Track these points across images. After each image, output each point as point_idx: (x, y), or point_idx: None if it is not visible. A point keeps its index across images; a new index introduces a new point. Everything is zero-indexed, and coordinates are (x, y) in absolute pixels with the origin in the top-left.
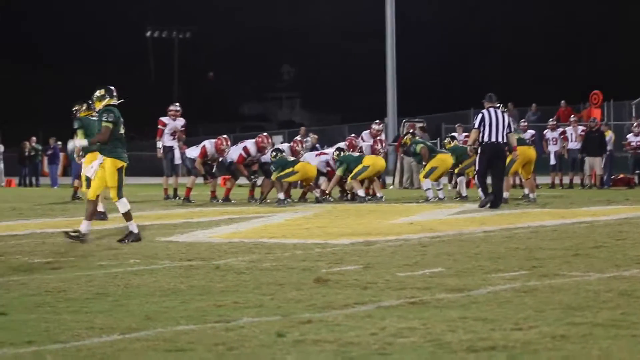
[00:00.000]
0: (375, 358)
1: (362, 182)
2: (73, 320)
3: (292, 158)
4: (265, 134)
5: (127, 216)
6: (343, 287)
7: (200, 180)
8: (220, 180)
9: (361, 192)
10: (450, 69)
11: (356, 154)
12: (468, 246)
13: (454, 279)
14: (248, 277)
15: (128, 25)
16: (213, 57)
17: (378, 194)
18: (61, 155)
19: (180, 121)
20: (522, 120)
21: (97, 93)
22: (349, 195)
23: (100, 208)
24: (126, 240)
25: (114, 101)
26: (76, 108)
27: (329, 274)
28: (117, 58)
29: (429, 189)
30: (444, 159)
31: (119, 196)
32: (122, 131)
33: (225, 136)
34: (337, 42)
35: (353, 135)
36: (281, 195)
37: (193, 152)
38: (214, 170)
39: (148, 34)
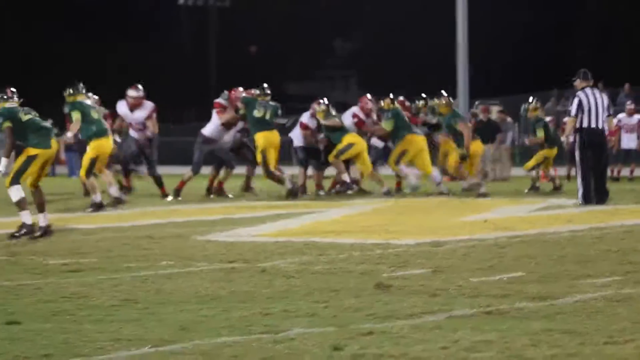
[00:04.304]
0: None
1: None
2: (96, 330)
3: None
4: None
5: (19, 205)
6: (408, 294)
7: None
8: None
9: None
10: (530, 43)
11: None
12: (552, 248)
13: (536, 286)
14: (298, 281)
15: None
16: (254, 29)
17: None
18: None
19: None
20: (629, 102)
21: None
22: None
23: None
24: (18, 234)
25: (9, 103)
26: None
27: (391, 279)
28: (145, 30)
29: (407, 175)
30: (412, 140)
31: (11, 183)
32: (26, 118)
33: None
34: (399, 11)
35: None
36: (346, 177)
37: None
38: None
39: (181, 1)
